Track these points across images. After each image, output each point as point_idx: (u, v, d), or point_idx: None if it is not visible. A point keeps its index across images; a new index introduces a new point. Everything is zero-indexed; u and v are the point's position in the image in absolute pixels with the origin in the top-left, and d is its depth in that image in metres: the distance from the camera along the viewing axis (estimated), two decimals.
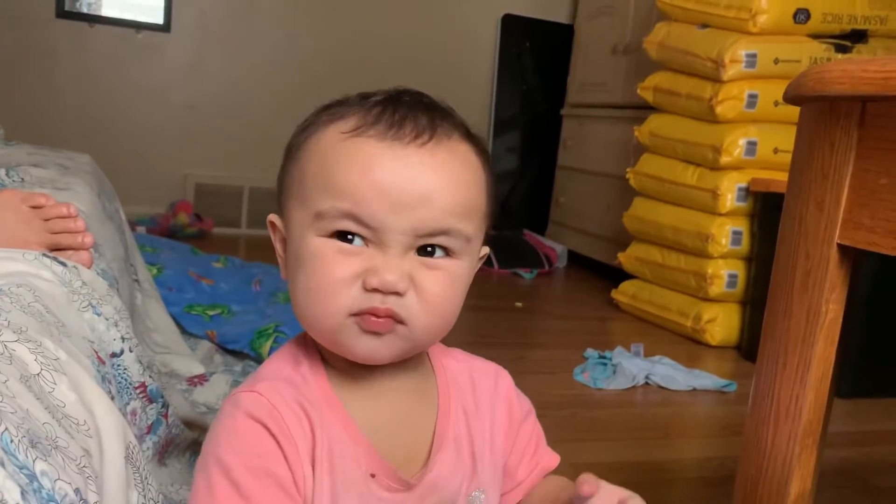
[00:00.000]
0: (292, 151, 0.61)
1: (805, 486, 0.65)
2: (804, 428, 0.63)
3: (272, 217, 0.63)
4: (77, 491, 0.54)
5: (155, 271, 1.90)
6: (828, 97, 0.60)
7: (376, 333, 0.56)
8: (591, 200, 3.14)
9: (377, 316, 0.55)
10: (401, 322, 0.56)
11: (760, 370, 0.68)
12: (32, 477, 0.50)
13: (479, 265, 0.64)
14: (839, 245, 0.61)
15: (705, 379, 1.98)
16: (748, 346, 2.31)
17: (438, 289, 0.57)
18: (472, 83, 3.69)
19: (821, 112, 0.63)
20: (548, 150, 3.55)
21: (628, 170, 2.66)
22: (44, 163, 1.51)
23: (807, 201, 0.64)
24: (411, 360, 0.64)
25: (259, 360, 1.66)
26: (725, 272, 2.34)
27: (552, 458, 0.73)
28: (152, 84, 3.28)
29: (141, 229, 2.75)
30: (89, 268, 0.97)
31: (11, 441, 0.51)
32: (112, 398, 0.81)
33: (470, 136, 0.61)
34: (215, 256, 2.23)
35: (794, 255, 0.64)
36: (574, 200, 3.31)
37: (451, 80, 3.63)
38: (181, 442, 1.09)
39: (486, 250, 0.64)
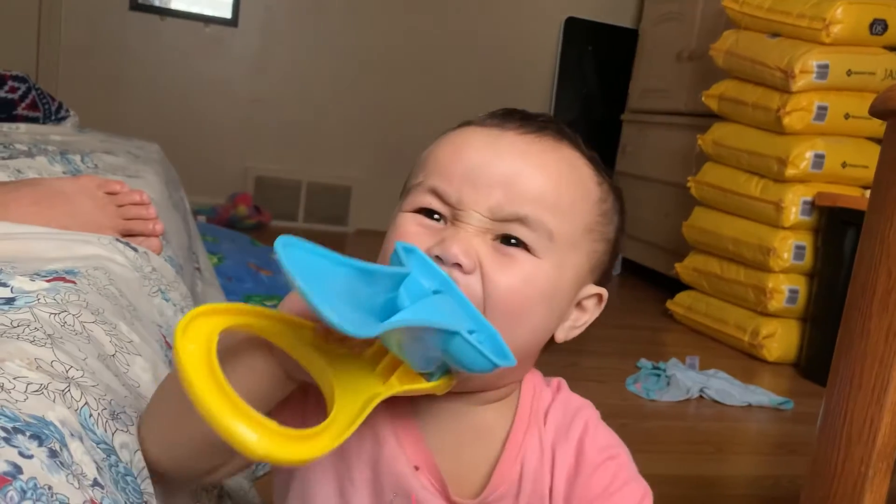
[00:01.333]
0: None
1: None
2: (879, 451, 0.61)
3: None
4: None
5: (215, 260, 1.94)
6: None
7: None
8: (649, 208, 3.09)
9: None
10: None
11: (832, 390, 0.66)
12: (110, 451, 0.52)
13: (594, 314, 0.60)
14: None
15: (761, 395, 1.94)
16: (806, 364, 2.25)
17: (508, 281, 0.53)
18: (533, 85, 3.67)
19: None
20: (607, 156, 3.52)
21: (690, 178, 2.61)
22: (115, 150, 1.55)
23: (890, 220, 0.62)
24: (500, 392, 0.60)
25: None
26: (786, 287, 2.29)
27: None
28: (218, 77, 3.34)
29: (201, 219, 2.81)
30: (159, 254, 0.99)
31: (91, 415, 0.52)
32: None
33: (584, 150, 0.59)
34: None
35: (874, 274, 0.62)
36: (632, 208, 3.24)
37: (512, 80, 3.62)
38: None
39: (598, 291, 0.60)
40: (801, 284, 2.30)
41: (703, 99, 2.58)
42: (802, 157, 2.22)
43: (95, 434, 0.52)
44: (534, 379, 0.63)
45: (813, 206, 2.24)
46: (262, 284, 1.96)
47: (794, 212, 2.24)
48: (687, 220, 2.63)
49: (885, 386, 0.61)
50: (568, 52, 3.66)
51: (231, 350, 0.51)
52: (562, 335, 0.60)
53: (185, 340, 0.41)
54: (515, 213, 0.53)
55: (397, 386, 0.47)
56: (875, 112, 0.63)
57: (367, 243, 3.39)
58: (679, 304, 2.63)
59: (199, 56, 3.32)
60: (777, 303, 2.29)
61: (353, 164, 3.50)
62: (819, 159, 2.22)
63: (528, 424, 0.60)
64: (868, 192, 2.18)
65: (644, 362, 2.05)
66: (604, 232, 0.58)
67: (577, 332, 0.61)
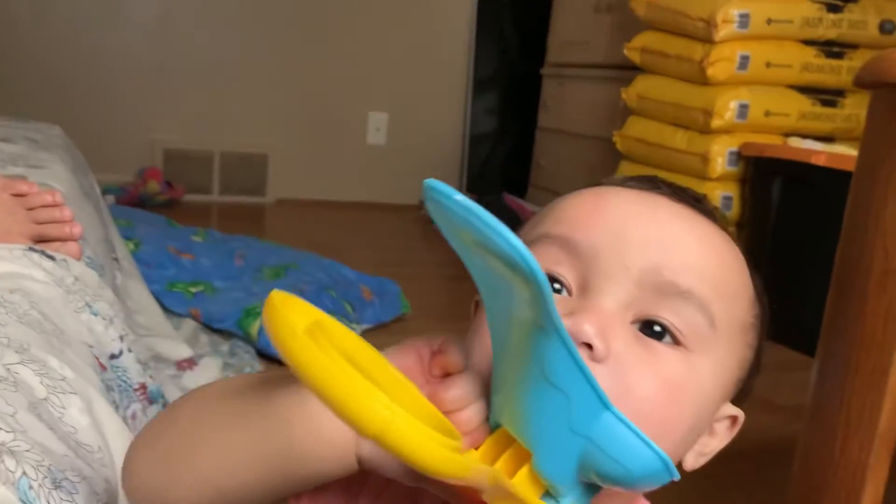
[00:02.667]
0: None
1: (877, 497, 0.61)
2: (880, 437, 0.59)
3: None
4: None
5: (132, 247, 1.82)
6: None
7: None
8: (573, 163, 3.08)
9: None
10: None
11: (824, 375, 0.64)
12: None
13: (723, 441, 0.47)
14: None
15: None
16: None
17: (650, 383, 0.39)
18: (449, 41, 3.59)
19: None
20: (528, 111, 3.48)
21: (615, 133, 2.60)
22: (12, 136, 1.41)
23: (884, 197, 0.59)
24: None
25: (248, 340, 1.60)
26: None
27: None
28: (117, 47, 3.12)
29: (110, 199, 2.63)
30: (79, 259, 0.89)
31: (31, 487, 0.45)
32: (116, 408, 0.75)
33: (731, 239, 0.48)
34: (194, 229, 2.14)
35: (868, 254, 0.60)
36: (555, 163, 3.25)
37: (428, 38, 3.52)
38: None
39: (736, 413, 0.48)
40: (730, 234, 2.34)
41: (625, 52, 2.55)
42: (727, 108, 2.23)
43: None
44: None
45: (739, 157, 2.27)
46: (185, 270, 1.85)
47: (720, 163, 2.26)
48: (613, 175, 2.63)
49: (886, 370, 0.59)
50: (484, 6, 3.58)
51: None
52: (691, 461, 0.47)
53: (287, 312, 0.31)
54: (674, 285, 0.40)
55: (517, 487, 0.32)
56: (861, 83, 0.60)
57: (288, 213, 3.27)
58: None
59: (95, 26, 3.09)
60: None
61: (268, 132, 3.35)
62: (743, 109, 2.23)
63: None
64: (790, 140, 2.22)
65: None
66: (755, 337, 0.48)
67: (703, 461, 0.48)
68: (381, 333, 1.78)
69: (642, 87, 2.50)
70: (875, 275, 0.60)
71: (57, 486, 0.47)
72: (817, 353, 0.66)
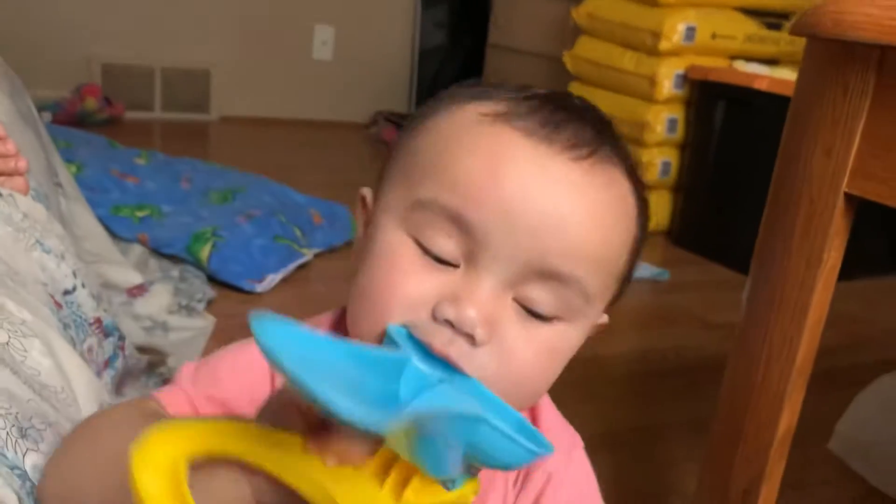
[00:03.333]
0: (416, 120, 0.47)
1: (792, 421, 0.67)
2: (798, 368, 0.65)
3: (364, 191, 0.49)
4: None
5: (74, 170, 1.78)
6: (846, 41, 0.57)
7: None
8: (523, 82, 3.07)
9: (435, 354, 0.41)
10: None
11: (751, 309, 0.69)
12: (24, 476, 0.47)
13: (593, 333, 0.49)
14: (846, 194, 0.60)
15: (640, 268, 2.03)
16: (678, 232, 2.38)
17: (525, 352, 0.42)
18: None
19: (834, 52, 0.61)
20: (479, 27, 3.43)
21: (565, 53, 2.60)
22: None
23: (813, 145, 0.62)
24: None
25: (198, 265, 1.60)
26: (660, 160, 2.37)
27: None
28: None
29: (46, 116, 2.54)
30: (26, 195, 0.88)
31: None
32: (74, 344, 0.76)
33: (635, 178, 0.47)
34: (136, 151, 2.10)
35: (795, 199, 0.64)
36: (506, 81, 3.24)
37: None
38: (137, 370, 1.05)
39: (605, 319, 0.50)
40: (673, 156, 2.39)
41: None
42: (675, 30, 2.24)
43: (7, 458, 0.46)
44: None
45: (685, 80, 2.30)
46: (130, 193, 1.82)
47: (667, 86, 2.29)
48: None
49: (806, 307, 0.64)
50: None
51: (195, 474, 0.36)
52: None
53: (145, 472, 0.33)
54: (557, 272, 0.41)
55: (414, 501, 0.36)
56: (798, 33, 0.62)
57: (232, 131, 3.21)
58: None
59: None
60: (651, 175, 2.37)
61: (210, 46, 3.24)
62: (691, 31, 2.25)
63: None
64: (735, 63, 2.26)
65: None
66: (631, 269, 0.49)
67: None
68: (331, 257, 1.80)
69: (592, 6, 2.48)
70: (801, 219, 0.64)
71: (24, 434, 0.48)
72: (746, 284, 0.71)
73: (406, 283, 0.42)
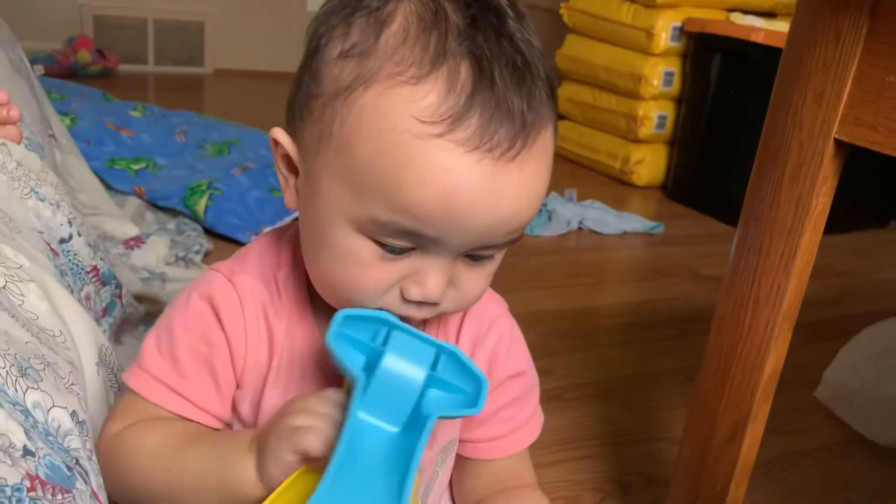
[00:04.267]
0: (324, 82, 0.47)
1: (778, 366, 0.69)
2: (784, 313, 0.66)
3: (278, 134, 0.51)
4: (73, 414, 0.52)
5: (68, 122, 1.77)
6: None
7: None
8: None
9: (411, 321, 0.50)
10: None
11: (740, 255, 0.70)
12: (26, 412, 0.48)
13: None
14: (836, 140, 0.61)
15: (635, 222, 2.05)
16: (673, 186, 2.38)
17: (477, 285, 0.51)
18: None
19: None
20: None
21: (562, 5, 2.57)
22: None
23: (804, 91, 0.62)
24: None
25: (194, 218, 1.60)
26: (655, 113, 2.36)
27: (528, 433, 0.64)
28: None
29: (38, 69, 2.52)
30: (19, 143, 0.88)
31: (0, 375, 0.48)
32: (71, 291, 0.77)
33: (555, 114, 0.49)
34: (131, 104, 2.08)
35: (785, 146, 0.64)
36: None
37: None
38: (134, 318, 1.06)
39: None
40: (669, 110, 2.38)
41: None
42: None
43: (8, 395, 0.47)
44: None
45: (682, 32, 2.28)
46: (125, 146, 1.82)
47: (664, 38, 2.27)
48: (560, 48, 2.62)
49: (793, 254, 0.64)
50: None
51: None
52: None
53: None
54: (498, 242, 0.48)
55: None
56: None
57: (227, 85, 3.18)
58: None
59: None
60: (647, 129, 2.37)
61: None
62: None
63: (437, 328, 0.60)
64: (732, 16, 2.23)
65: None
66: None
67: None
68: None
69: None
70: (790, 166, 0.64)
71: (23, 373, 0.49)
72: (736, 233, 0.71)
73: (375, 280, 0.48)
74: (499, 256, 0.51)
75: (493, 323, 0.62)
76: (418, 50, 0.44)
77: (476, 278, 0.51)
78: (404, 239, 0.46)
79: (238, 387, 0.56)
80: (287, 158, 0.52)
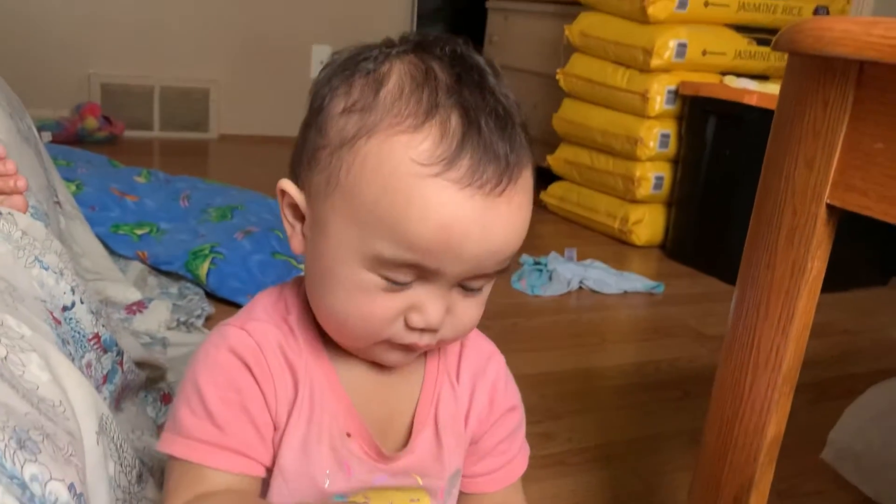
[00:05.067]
0: (330, 134, 0.53)
1: (780, 429, 0.68)
2: (784, 376, 0.66)
3: (285, 186, 0.56)
4: (71, 487, 0.52)
5: (73, 188, 1.79)
6: (826, 57, 0.59)
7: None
8: (518, 99, 3.09)
9: (417, 349, 0.56)
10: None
11: (738, 318, 0.70)
12: (23, 486, 0.48)
13: None
14: (828, 204, 0.62)
15: (635, 281, 2.05)
16: (672, 246, 2.39)
17: (472, 313, 0.56)
18: None
19: (814, 67, 0.62)
20: (473, 45, 3.46)
21: (558, 70, 2.63)
22: None
23: (795, 158, 0.64)
24: None
25: (196, 282, 1.61)
26: (652, 174, 2.39)
27: (520, 465, 0.70)
28: None
29: (46, 136, 2.56)
30: (24, 213, 0.90)
31: None
32: (73, 360, 0.77)
33: (531, 152, 0.55)
34: (137, 170, 2.11)
35: (779, 211, 0.65)
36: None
37: None
38: (135, 385, 1.06)
39: None
40: (665, 171, 2.41)
41: None
42: (666, 47, 2.27)
43: (6, 468, 0.47)
44: None
45: (676, 95, 2.32)
46: (130, 212, 1.83)
47: (659, 101, 2.31)
48: (556, 111, 2.66)
49: (791, 316, 0.65)
50: None
51: None
52: None
53: None
54: (489, 272, 0.54)
55: None
56: (779, 49, 0.64)
57: (231, 150, 3.23)
58: (552, 195, 2.70)
59: None
60: (644, 190, 2.39)
61: (209, 64, 3.27)
62: (682, 48, 2.28)
63: (438, 365, 0.64)
64: (726, 79, 2.28)
65: (526, 258, 2.11)
66: None
67: None
68: None
69: (585, 24, 2.52)
70: (784, 230, 0.65)
71: (22, 445, 0.49)
72: (734, 295, 0.72)
73: (382, 311, 0.53)
74: (488, 287, 0.56)
75: (491, 357, 0.67)
76: (413, 103, 0.50)
77: (470, 307, 0.56)
78: (407, 271, 0.51)
79: (275, 428, 0.58)
80: (293, 206, 0.57)
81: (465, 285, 0.54)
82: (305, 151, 0.55)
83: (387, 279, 0.52)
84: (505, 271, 0.56)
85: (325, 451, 0.59)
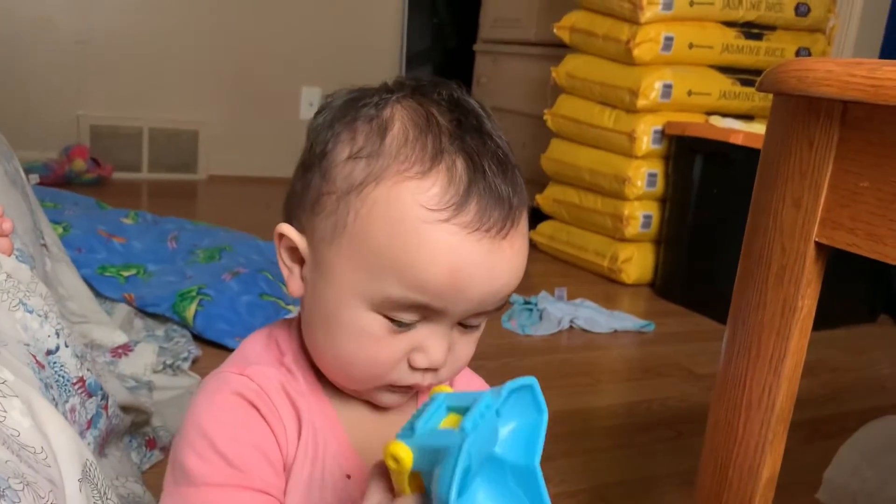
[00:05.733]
0: (335, 179, 0.53)
1: (775, 469, 0.67)
2: (777, 416, 0.65)
3: (285, 229, 0.56)
4: None
5: (60, 230, 1.78)
6: (810, 97, 0.60)
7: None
8: (506, 139, 3.12)
9: (419, 389, 0.57)
10: None
11: (730, 357, 0.70)
12: None
13: None
14: (816, 243, 0.62)
15: (625, 320, 2.05)
16: (661, 284, 2.40)
17: (469, 350, 0.57)
18: (383, 15, 3.57)
19: (799, 107, 0.63)
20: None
21: (545, 111, 2.65)
22: None
23: (782, 197, 0.64)
24: None
25: (183, 324, 1.60)
26: (641, 213, 2.40)
27: None
28: (36, 16, 3.00)
29: (34, 178, 2.56)
30: (9, 255, 0.89)
31: None
32: (56, 404, 0.76)
33: (525, 198, 0.56)
34: (124, 211, 2.11)
35: (768, 249, 0.65)
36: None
37: (360, 11, 3.50)
38: (120, 429, 1.04)
39: None
40: (653, 210, 2.42)
41: (555, 31, 2.60)
42: (652, 88, 2.30)
43: None
44: None
45: (663, 135, 2.35)
46: (117, 253, 1.82)
47: (645, 141, 2.34)
48: (544, 151, 2.69)
49: (783, 356, 0.64)
50: None
51: None
52: None
53: None
54: (489, 310, 0.55)
55: None
56: (764, 90, 0.64)
57: (220, 191, 3.23)
58: (541, 233, 2.71)
59: None
60: (633, 229, 2.40)
61: (198, 106, 3.29)
62: (667, 89, 2.31)
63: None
64: (711, 119, 2.31)
65: (516, 297, 2.11)
66: None
67: None
68: None
69: (572, 66, 2.55)
70: (774, 269, 0.65)
71: (1, 494, 0.48)
72: (724, 334, 0.72)
73: (387, 353, 0.53)
74: (481, 327, 0.58)
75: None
76: (419, 150, 0.51)
77: (467, 344, 0.56)
78: (414, 312, 0.52)
79: (285, 468, 0.56)
80: (292, 250, 0.57)
81: (464, 323, 0.55)
82: (307, 196, 0.55)
83: (392, 320, 0.52)
84: (501, 308, 0.56)
85: (328, 494, 0.58)
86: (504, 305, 0.56)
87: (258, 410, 0.55)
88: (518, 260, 0.54)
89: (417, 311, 0.52)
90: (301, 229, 0.56)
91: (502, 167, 0.52)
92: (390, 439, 0.44)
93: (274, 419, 0.56)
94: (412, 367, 0.54)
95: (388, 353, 0.53)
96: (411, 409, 0.63)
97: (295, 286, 0.57)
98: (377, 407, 0.60)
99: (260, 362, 0.58)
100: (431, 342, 0.54)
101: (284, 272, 0.58)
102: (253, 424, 0.55)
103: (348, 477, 0.58)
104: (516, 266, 0.54)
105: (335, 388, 0.59)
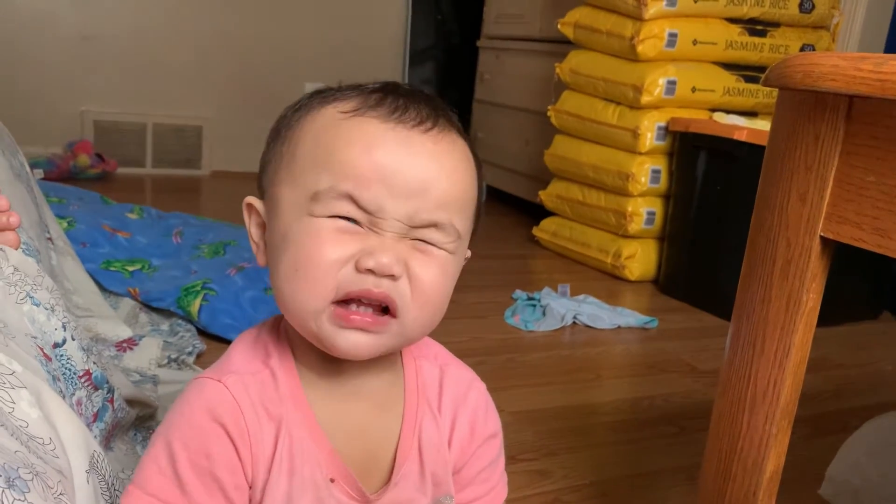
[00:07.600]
0: (281, 131, 0.60)
1: (779, 463, 0.68)
2: (781, 410, 0.66)
3: (251, 200, 0.61)
4: None
5: (66, 225, 1.79)
6: (816, 91, 0.60)
7: (363, 330, 0.55)
8: (510, 136, 3.12)
9: (371, 299, 0.54)
10: (392, 314, 0.55)
11: (734, 353, 0.70)
12: None
13: (463, 264, 0.63)
14: (822, 237, 0.62)
15: (629, 317, 2.05)
16: (665, 280, 2.40)
17: (432, 276, 0.56)
18: (386, 12, 3.56)
19: (805, 102, 0.63)
20: (465, 83, 3.50)
21: (549, 108, 2.65)
22: None
23: (788, 192, 0.64)
24: (385, 361, 0.63)
25: (188, 318, 1.60)
26: (644, 210, 2.40)
27: (501, 493, 0.71)
28: (40, 13, 3.01)
29: (38, 173, 2.56)
30: (16, 249, 0.89)
31: None
32: (63, 397, 0.76)
33: (467, 139, 0.61)
34: (129, 206, 2.11)
35: (773, 244, 0.65)
36: (492, 135, 3.30)
37: (364, 7, 3.49)
38: (125, 423, 1.05)
39: (469, 254, 0.63)
40: (657, 206, 2.42)
41: (559, 27, 2.59)
42: (656, 84, 2.30)
43: None
44: (412, 350, 0.66)
45: (667, 131, 2.35)
46: (121, 248, 1.83)
47: (649, 138, 2.33)
48: (548, 148, 2.69)
49: (788, 350, 0.65)
50: None
51: None
52: None
53: None
54: (433, 221, 0.56)
55: None
56: (770, 85, 0.64)
57: (223, 186, 3.23)
58: (544, 230, 2.71)
59: None
60: (636, 225, 2.40)
61: (202, 102, 3.29)
62: (671, 85, 2.30)
63: (417, 396, 0.65)
64: (715, 115, 2.31)
65: (519, 293, 2.11)
66: (479, 208, 0.63)
67: None
68: None
69: (575, 62, 2.55)
70: (779, 263, 0.65)
71: (11, 485, 0.49)
72: (729, 329, 0.72)
73: (332, 249, 0.54)
74: (446, 257, 0.57)
75: (471, 384, 0.68)
76: (345, 90, 0.58)
77: (427, 266, 0.56)
78: (347, 202, 0.54)
79: (251, 487, 0.57)
80: (259, 226, 0.61)
81: (415, 236, 0.55)
82: (267, 164, 0.60)
83: (331, 216, 0.54)
84: (453, 233, 0.57)
85: (309, 502, 0.58)
86: (450, 224, 0.57)
87: (227, 432, 0.56)
88: (446, 161, 0.56)
89: (351, 203, 0.54)
90: (261, 198, 0.61)
91: (429, 99, 0.58)
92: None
93: (242, 441, 0.56)
94: (359, 271, 0.53)
95: (333, 252, 0.53)
96: (394, 403, 0.64)
97: (261, 257, 0.61)
98: (358, 402, 0.61)
99: (241, 370, 0.59)
100: (377, 245, 0.54)
101: (253, 248, 0.62)
102: (215, 452, 0.56)
103: (332, 481, 0.59)
104: (444, 165, 0.56)
105: (316, 388, 0.60)
